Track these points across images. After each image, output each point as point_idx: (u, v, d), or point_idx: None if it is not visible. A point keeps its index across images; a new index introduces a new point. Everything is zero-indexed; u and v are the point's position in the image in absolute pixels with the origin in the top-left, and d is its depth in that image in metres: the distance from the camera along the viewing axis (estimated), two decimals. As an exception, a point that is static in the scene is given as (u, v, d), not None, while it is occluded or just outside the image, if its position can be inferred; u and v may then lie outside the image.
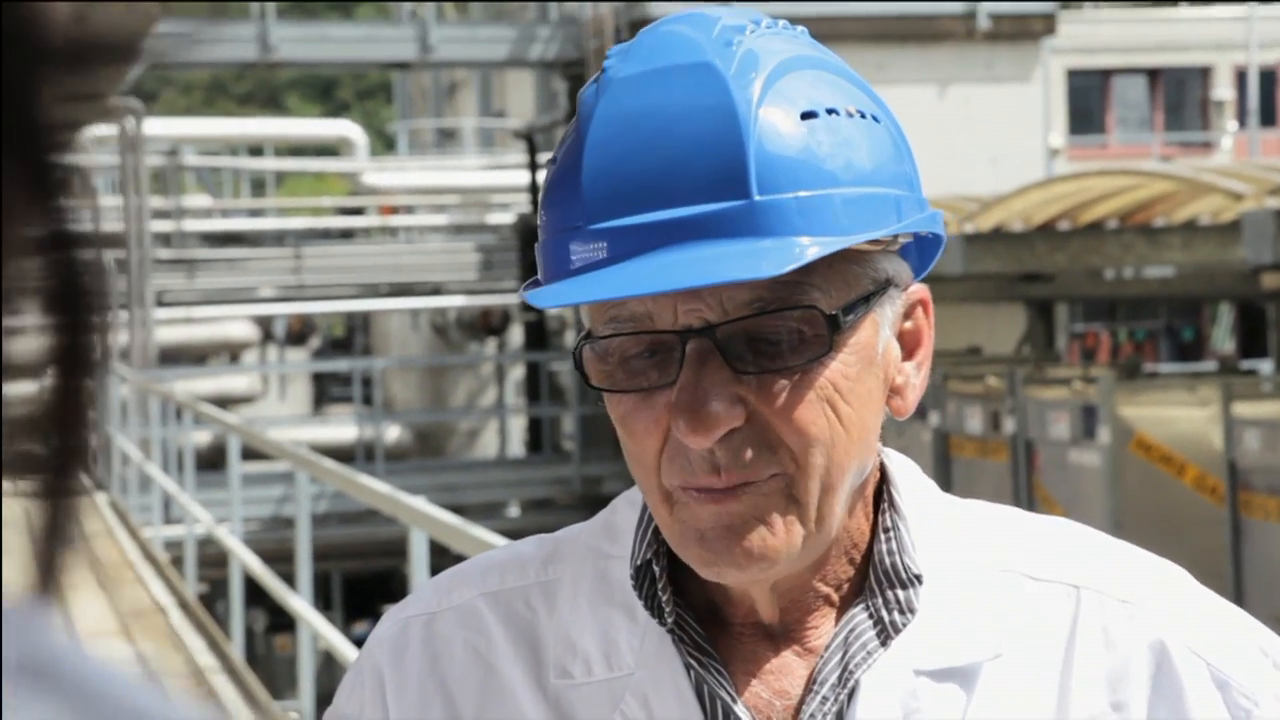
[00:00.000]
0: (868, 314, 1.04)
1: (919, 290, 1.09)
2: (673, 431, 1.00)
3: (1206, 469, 10.24)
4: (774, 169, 0.99)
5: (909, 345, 1.09)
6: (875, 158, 1.03)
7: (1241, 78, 26.87)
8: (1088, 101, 26.85)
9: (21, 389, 0.32)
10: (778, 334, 1.01)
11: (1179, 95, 27.45)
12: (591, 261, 1.00)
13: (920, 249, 1.10)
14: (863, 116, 1.04)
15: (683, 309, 1.01)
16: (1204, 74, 27.24)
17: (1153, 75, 27.16)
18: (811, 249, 0.98)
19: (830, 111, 1.02)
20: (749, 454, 1.00)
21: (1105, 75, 26.87)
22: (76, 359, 0.32)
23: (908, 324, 1.09)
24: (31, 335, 0.32)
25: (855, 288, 1.03)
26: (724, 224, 0.99)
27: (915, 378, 1.09)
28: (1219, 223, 12.02)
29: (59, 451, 0.33)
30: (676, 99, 1.01)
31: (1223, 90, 27.01)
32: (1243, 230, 10.78)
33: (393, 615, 1.17)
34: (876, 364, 1.05)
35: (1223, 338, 26.21)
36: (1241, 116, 26.84)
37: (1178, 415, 10.57)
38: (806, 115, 1.01)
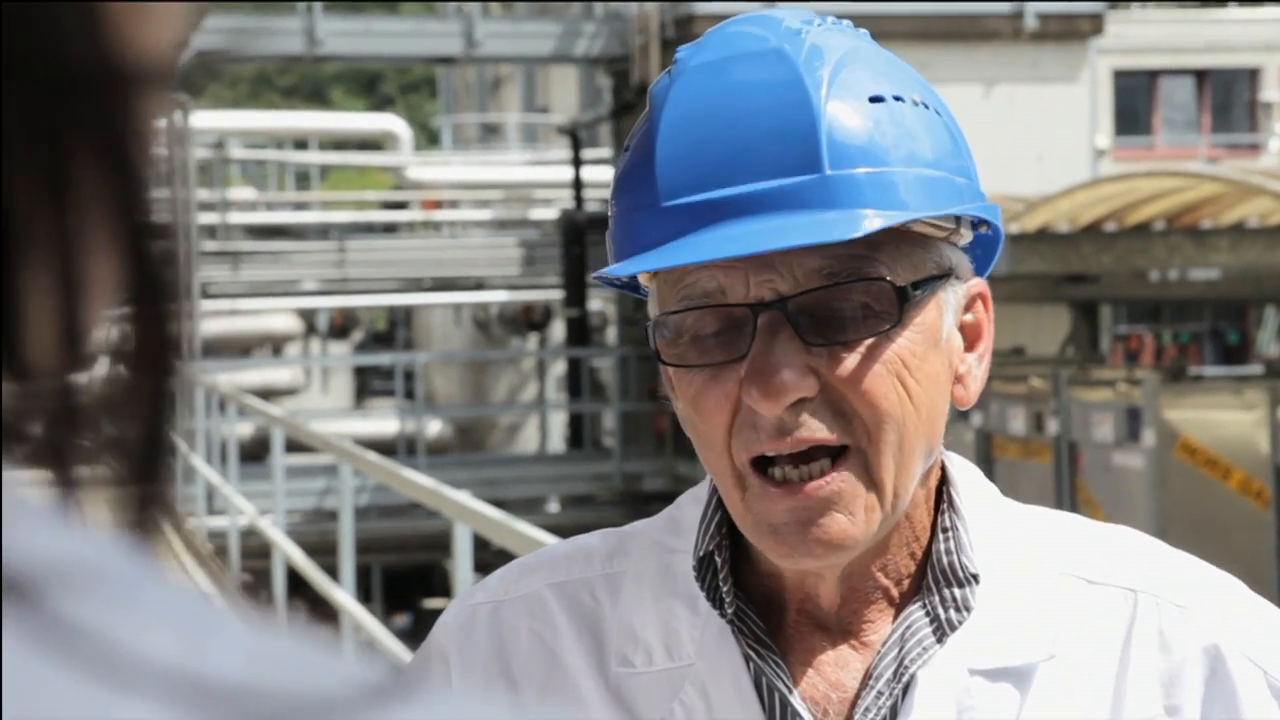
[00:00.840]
0: (933, 296, 1.06)
1: (979, 284, 1.12)
2: (744, 401, 1.02)
3: (1252, 473, 10.17)
4: (844, 146, 1.02)
5: (970, 337, 1.11)
6: (936, 146, 1.07)
7: (1290, 79, 26.67)
8: (1134, 102, 26.68)
9: (106, 376, 0.33)
10: (847, 307, 1.03)
11: (1226, 97, 27.26)
12: (667, 236, 1.03)
13: (979, 250, 1.12)
14: (925, 108, 1.07)
15: (755, 280, 1.03)
16: (1252, 75, 27.04)
17: (1200, 76, 26.98)
18: (880, 219, 1.01)
19: (897, 99, 1.06)
20: (820, 421, 1.02)
21: (1152, 76, 26.71)
22: (159, 347, 0.33)
23: (968, 316, 1.11)
24: (116, 324, 0.32)
25: (920, 269, 1.06)
26: (795, 197, 1.02)
27: (977, 369, 1.11)
28: (1267, 225, 11.93)
29: (143, 440, 0.33)
30: (748, 83, 1.04)
31: (1271, 92, 26.81)
32: (1291, 233, 10.70)
33: (460, 602, 1.19)
34: (942, 348, 1.07)
35: (1268, 341, 26.02)
36: (1290, 118, 26.64)
37: (1223, 418, 10.50)
38: (874, 99, 1.05)
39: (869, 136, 1.03)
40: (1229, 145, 26.64)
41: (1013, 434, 11.95)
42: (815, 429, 1.02)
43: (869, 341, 1.03)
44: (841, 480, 1.03)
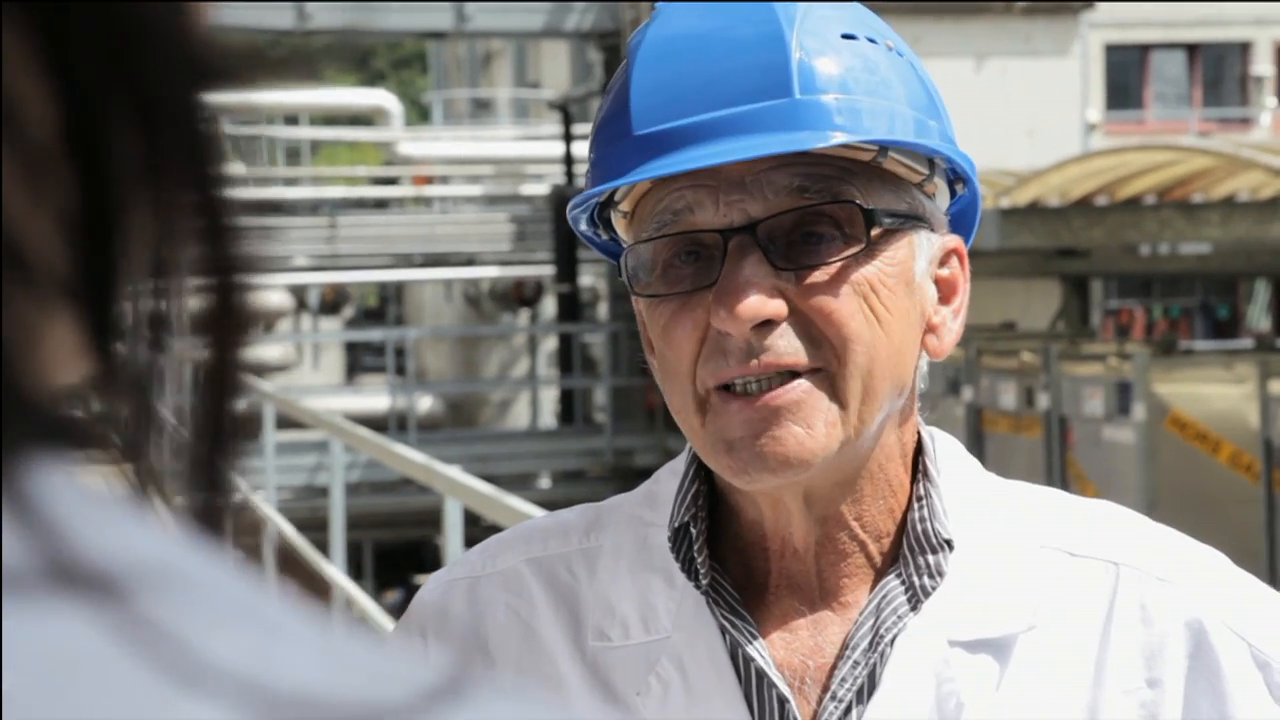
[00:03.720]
0: (905, 235, 1.07)
1: (954, 239, 1.12)
2: (712, 325, 1.03)
3: (1242, 447, 10.19)
4: (814, 74, 1.04)
5: (945, 291, 1.11)
6: (909, 90, 1.08)
7: (1281, 53, 26.66)
8: (1126, 76, 26.67)
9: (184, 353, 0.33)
10: (817, 229, 1.04)
11: (1218, 71, 27.24)
12: (639, 163, 1.04)
13: (959, 219, 1.12)
14: (900, 56, 1.09)
15: (724, 199, 1.04)
16: (1243, 49, 27.02)
17: (1191, 50, 26.96)
18: (853, 136, 1.03)
19: (870, 40, 1.08)
20: (788, 344, 1.03)
21: (1144, 50, 26.68)
22: (229, 325, 0.34)
23: (944, 271, 1.11)
24: (190, 300, 0.33)
25: (892, 205, 1.06)
26: (765, 119, 1.03)
27: (952, 322, 1.11)
28: (1258, 199, 11.94)
29: (214, 416, 0.34)
30: (721, 19, 1.05)
31: (1262, 66, 26.79)
32: (1281, 207, 10.70)
33: (437, 578, 1.19)
34: (914, 290, 1.08)
35: (1258, 315, 26.05)
36: (1281, 92, 26.64)
37: (1213, 393, 10.51)
38: (846, 36, 1.06)
39: (840, 68, 1.05)
40: (1220, 119, 26.63)
41: (1003, 409, 11.96)
42: (782, 352, 1.02)
43: (837, 265, 1.04)
44: (802, 390, 1.03)
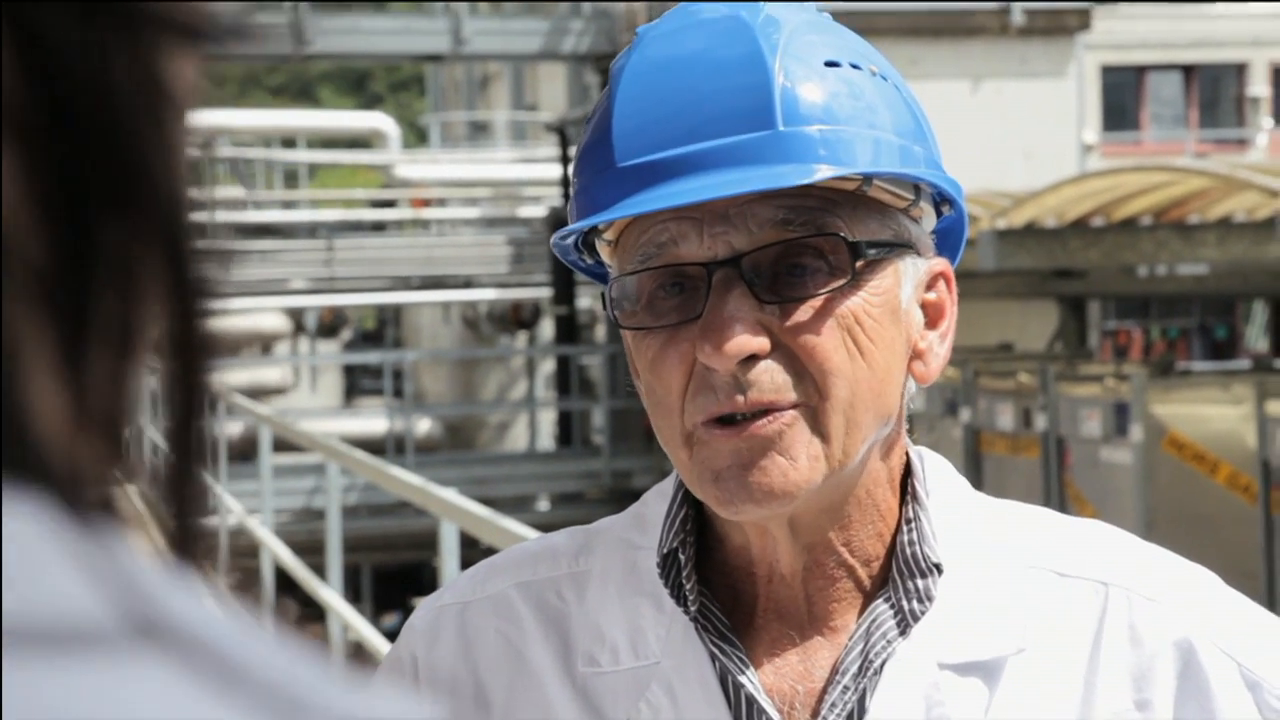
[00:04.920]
0: (890, 263, 1.06)
1: (941, 263, 1.12)
2: (697, 360, 1.02)
3: (1239, 468, 10.19)
4: (798, 104, 1.03)
5: (932, 315, 1.11)
6: (894, 116, 1.07)
7: (1277, 74, 26.72)
8: (1122, 98, 26.71)
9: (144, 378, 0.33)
10: (801, 264, 1.03)
11: (1214, 92, 27.29)
12: (621, 196, 1.03)
13: (945, 239, 1.12)
14: (884, 80, 1.08)
15: (709, 232, 1.03)
16: (1239, 71, 27.08)
17: (1188, 72, 27.01)
18: (832, 170, 1.02)
19: (854, 66, 1.06)
20: (773, 379, 1.02)
21: (1140, 71, 26.73)
22: (192, 346, 0.34)
23: (931, 295, 1.11)
24: (153, 325, 0.33)
25: (877, 234, 1.06)
26: (748, 153, 1.02)
27: (939, 346, 1.10)
28: (1254, 220, 11.95)
29: (180, 438, 0.34)
30: (703, 47, 1.05)
31: (1258, 87, 26.85)
32: (1278, 227, 10.72)
33: (427, 604, 1.18)
34: (900, 317, 1.07)
35: (1256, 336, 26.06)
36: (1277, 113, 26.68)
37: (1211, 413, 10.51)
38: (830, 64, 1.05)
39: (824, 97, 1.04)
40: (1216, 140, 26.67)
41: (1000, 430, 11.96)
42: (766, 389, 1.02)
43: (821, 298, 1.03)
44: (784, 422, 1.02)
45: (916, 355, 1.09)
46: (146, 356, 0.33)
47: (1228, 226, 12.27)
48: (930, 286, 1.10)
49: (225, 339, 0.34)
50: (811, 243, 1.03)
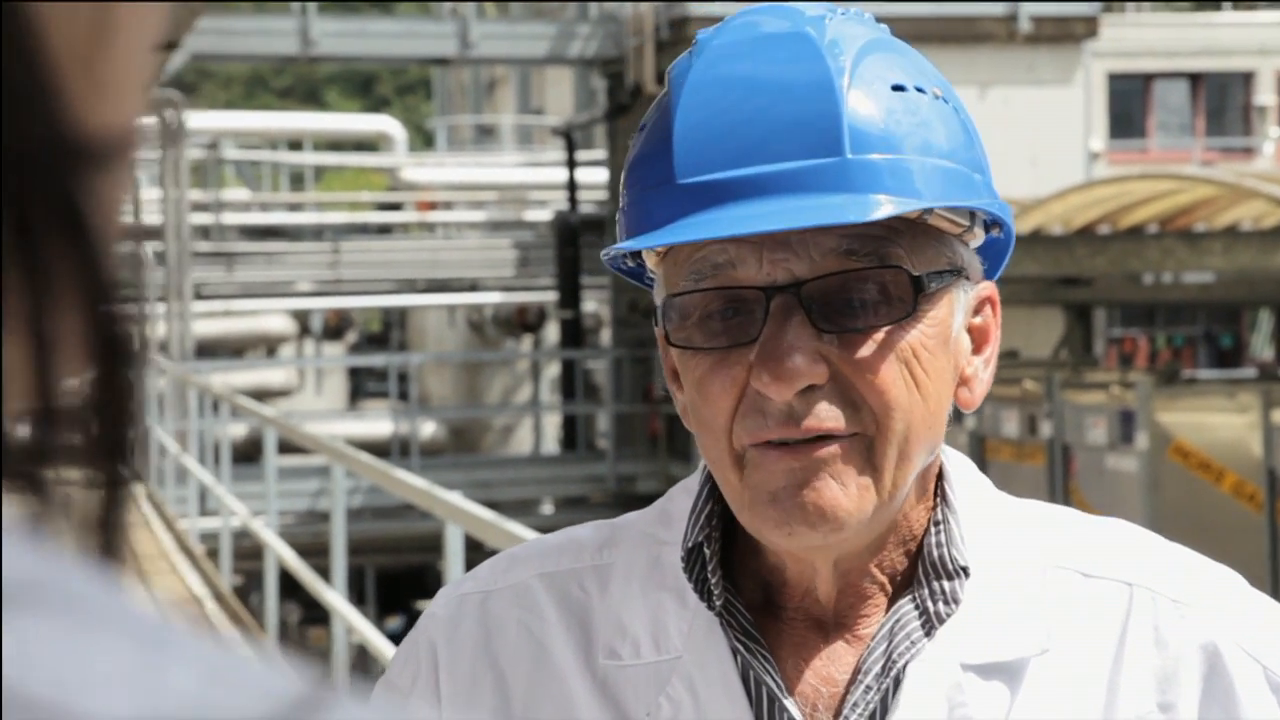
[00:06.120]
0: (946, 292, 1.05)
1: (988, 287, 1.11)
2: (752, 386, 1.01)
3: (1245, 476, 10.18)
4: (865, 132, 1.01)
5: (977, 340, 1.10)
6: (952, 140, 1.06)
7: (1284, 83, 26.70)
8: (1129, 105, 26.70)
9: (66, 381, 0.33)
10: (862, 294, 1.02)
11: (1221, 100, 27.28)
12: (681, 214, 1.01)
13: (988, 254, 1.12)
14: (945, 102, 1.07)
15: (769, 257, 1.02)
16: (1246, 79, 27.07)
17: (1194, 80, 27.00)
18: (895, 205, 1.00)
19: (918, 89, 1.05)
20: (829, 409, 1.01)
21: (1147, 79, 26.73)
22: (116, 349, 0.33)
23: (977, 319, 1.10)
24: (72, 327, 0.33)
25: (934, 263, 1.04)
26: (814, 179, 1.00)
27: (983, 372, 1.10)
28: (1261, 228, 11.95)
29: (104, 441, 0.34)
30: (771, 63, 1.03)
31: (1265, 96, 26.84)
32: (1284, 236, 10.71)
33: (448, 593, 1.17)
34: (950, 346, 1.06)
35: (1262, 345, 26.04)
36: (1284, 122, 26.67)
37: (1216, 421, 10.51)
38: (896, 88, 1.04)
39: (889, 124, 1.02)
40: (1223, 149, 26.66)
41: (1006, 437, 11.95)
42: (824, 417, 1.01)
43: (882, 331, 1.02)
44: (840, 450, 1.01)
45: (963, 382, 1.07)
46: (66, 354, 0.33)
47: (1234, 235, 12.27)
48: (977, 310, 1.09)
49: (140, 342, 0.35)
50: (873, 274, 1.02)
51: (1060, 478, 11.33)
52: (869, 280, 1.02)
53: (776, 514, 1.02)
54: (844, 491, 1.01)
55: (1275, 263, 11.74)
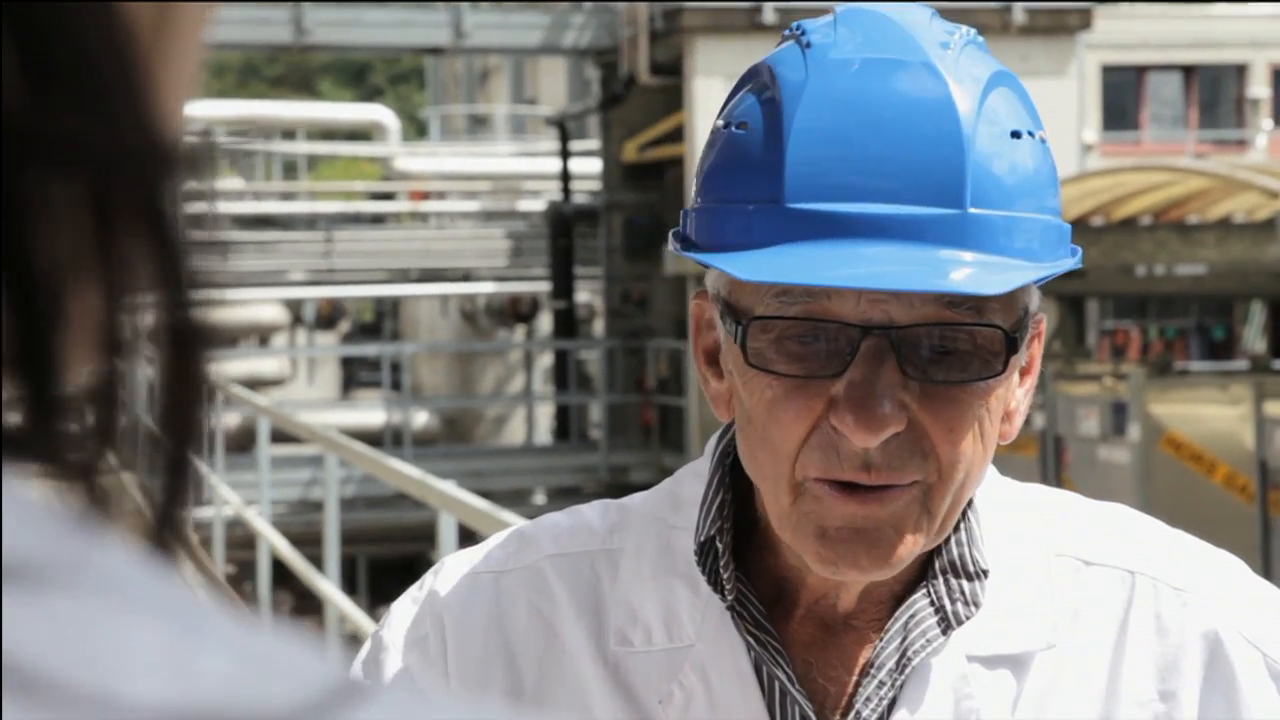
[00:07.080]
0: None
1: (1041, 320, 1.08)
2: (831, 423, 0.99)
3: (1237, 467, 10.20)
4: (986, 183, 0.99)
5: (1024, 371, 1.08)
6: (1053, 187, 1.05)
7: (1277, 75, 26.72)
8: (1122, 97, 26.71)
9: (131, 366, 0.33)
10: (955, 345, 1.00)
11: (1214, 92, 27.29)
12: (787, 240, 0.98)
13: None
14: (1043, 143, 1.05)
15: (869, 298, 0.99)
16: (1239, 71, 27.08)
17: (1188, 72, 27.01)
18: (1026, 272, 0.99)
19: (1030, 134, 1.03)
20: (901, 458, 0.99)
21: (1140, 71, 26.73)
22: (191, 342, 0.34)
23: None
24: (135, 313, 0.33)
25: (1015, 311, 1.02)
26: (932, 229, 0.98)
27: (1024, 403, 1.08)
28: (1253, 220, 11.96)
29: (173, 428, 0.35)
30: (894, 94, 1.00)
31: (1258, 88, 26.85)
32: (1277, 228, 10.72)
33: (455, 567, 1.15)
34: (1008, 386, 1.05)
35: (1254, 337, 26.07)
36: (1277, 114, 26.69)
37: (1208, 413, 10.52)
38: (1014, 135, 1.02)
39: (1007, 178, 1.00)
40: (1216, 141, 26.68)
41: (999, 428, 11.95)
42: (898, 470, 0.99)
43: (970, 384, 1.00)
44: (903, 501, 1.00)
45: (1005, 416, 1.05)
46: (140, 347, 0.33)
47: (1227, 227, 12.28)
48: (1030, 342, 1.07)
49: (220, 329, 0.34)
50: (968, 330, 1.00)
51: (1052, 469, 11.34)
52: (962, 333, 0.99)
53: (824, 551, 1.01)
54: (900, 542, 1.01)
55: (1268, 255, 11.75)
